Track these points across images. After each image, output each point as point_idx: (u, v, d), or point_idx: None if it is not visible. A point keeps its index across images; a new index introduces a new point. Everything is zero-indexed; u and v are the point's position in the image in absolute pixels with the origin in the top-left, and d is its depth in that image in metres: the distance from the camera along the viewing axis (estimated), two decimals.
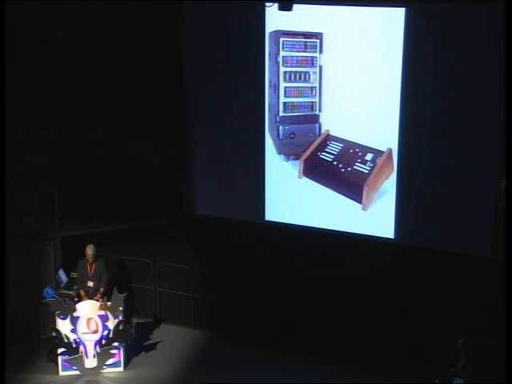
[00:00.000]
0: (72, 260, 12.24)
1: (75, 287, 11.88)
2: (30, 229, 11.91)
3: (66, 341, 11.30)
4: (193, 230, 12.52)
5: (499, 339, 9.39)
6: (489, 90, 9.84)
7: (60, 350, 11.35)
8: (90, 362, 11.43)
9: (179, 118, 12.04)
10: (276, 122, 11.51)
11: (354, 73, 10.76)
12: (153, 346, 12.23)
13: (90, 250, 11.62)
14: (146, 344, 12.22)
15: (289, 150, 11.54)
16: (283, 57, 11.20)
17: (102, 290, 11.67)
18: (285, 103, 11.39)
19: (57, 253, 12.54)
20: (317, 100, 11.15)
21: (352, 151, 11.07)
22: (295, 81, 11.24)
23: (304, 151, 11.43)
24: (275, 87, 11.37)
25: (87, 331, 11.30)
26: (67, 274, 12.21)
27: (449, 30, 10.00)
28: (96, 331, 11.32)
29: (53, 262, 12.47)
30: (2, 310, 9.91)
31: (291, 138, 11.49)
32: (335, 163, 11.25)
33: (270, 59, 11.29)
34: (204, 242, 12.51)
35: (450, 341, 10.19)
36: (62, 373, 11.46)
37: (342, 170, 11.22)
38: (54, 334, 11.32)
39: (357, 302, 11.54)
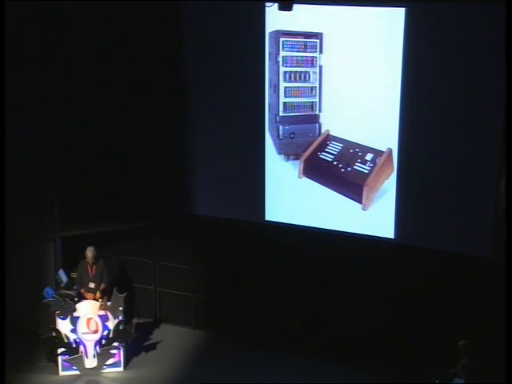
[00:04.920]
0: (72, 260, 12.24)
1: (75, 287, 11.88)
2: (30, 229, 11.91)
3: (65, 341, 11.30)
4: (193, 230, 12.52)
5: (499, 339, 9.39)
6: (489, 89, 9.85)
7: (60, 350, 11.36)
8: (90, 362, 11.43)
9: (179, 117, 12.04)
10: (276, 122, 11.51)
11: (354, 73, 10.75)
12: (153, 346, 12.23)
13: (90, 253, 11.60)
14: (145, 344, 12.22)
15: (289, 150, 11.54)
16: (283, 57, 11.20)
17: (102, 285, 11.68)
18: (285, 103, 11.39)
19: (57, 253, 12.53)
20: (317, 100, 11.15)
21: (352, 151, 11.07)
22: (295, 81, 11.24)
23: (304, 151, 11.43)
24: (275, 87, 11.37)
25: (87, 331, 11.30)
26: (67, 274, 12.21)
27: (449, 30, 10.00)
28: (96, 331, 11.32)
29: (53, 262, 12.46)
30: (2, 309, 9.90)
31: (291, 138, 11.49)
32: (335, 163, 11.25)
33: (270, 59, 11.29)
34: (204, 242, 12.50)
35: (450, 341, 10.22)
36: (62, 373, 11.47)
37: (342, 170, 11.22)
38: (54, 334, 11.33)
39: (357, 301, 11.54)
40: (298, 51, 11.10)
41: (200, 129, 12.04)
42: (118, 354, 11.53)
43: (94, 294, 11.60)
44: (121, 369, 11.59)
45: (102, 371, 11.52)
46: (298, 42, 11.06)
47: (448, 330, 10.78)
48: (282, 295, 12.05)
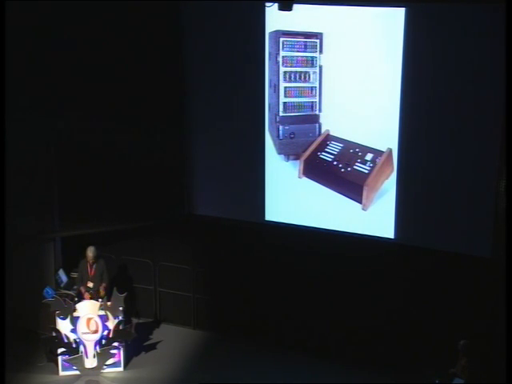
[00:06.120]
0: (72, 260, 12.25)
1: (75, 287, 11.88)
2: (30, 229, 11.91)
3: (66, 341, 11.30)
4: (193, 230, 12.52)
5: (499, 339, 9.39)
6: (489, 90, 9.85)
7: (60, 350, 11.36)
8: (90, 362, 11.44)
9: (179, 117, 12.04)
10: (276, 122, 11.51)
11: (354, 73, 10.76)
12: (153, 346, 12.23)
13: (90, 253, 11.61)
14: (145, 344, 12.22)
15: (289, 150, 11.54)
16: (283, 57, 11.20)
17: (103, 285, 11.68)
18: (285, 103, 11.39)
19: (57, 253, 12.53)
20: (317, 100, 11.15)
21: (352, 151, 11.07)
22: (295, 81, 11.24)
23: (304, 151, 11.43)
24: (275, 87, 11.37)
25: (87, 331, 11.30)
26: (67, 274, 12.21)
27: (449, 30, 10.00)
28: (96, 331, 11.32)
29: (53, 262, 12.46)
30: (2, 309, 9.90)
31: (291, 138, 11.49)
32: (335, 163, 11.25)
33: (269, 59, 11.29)
34: (204, 241, 12.50)
35: (450, 341, 10.22)
36: (62, 373, 11.47)
37: (342, 170, 11.22)
38: (53, 334, 11.33)
39: (357, 301, 11.54)
40: (298, 51, 11.10)
41: (200, 129, 12.04)
42: (118, 354, 11.53)
43: (93, 293, 11.59)
44: (121, 369, 11.59)
45: (102, 371, 11.52)
46: (298, 41, 11.06)
47: (448, 330, 10.78)
48: (282, 295, 12.05)
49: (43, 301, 11.57)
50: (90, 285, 11.68)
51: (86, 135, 11.82)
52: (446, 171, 10.44)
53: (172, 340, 12.47)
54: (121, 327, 11.43)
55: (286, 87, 11.33)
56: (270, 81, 11.39)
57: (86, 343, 11.34)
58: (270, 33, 11.18)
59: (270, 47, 11.23)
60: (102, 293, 11.58)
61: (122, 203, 12.10)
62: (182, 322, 12.85)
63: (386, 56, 10.50)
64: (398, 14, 10.26)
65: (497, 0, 9.27)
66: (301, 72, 11.18)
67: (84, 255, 11.72)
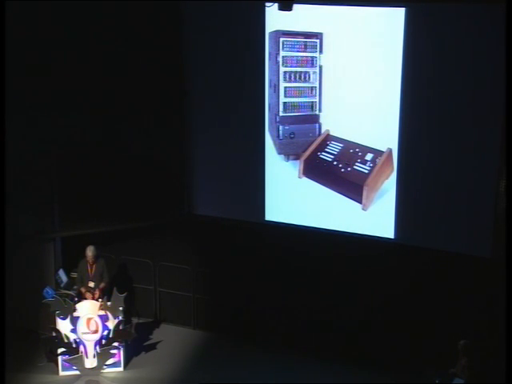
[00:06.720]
0: (72, 260, 12.24)
1: (75, 287, 11.88)
2: (30, 229, 11.91)
3: (65, 341, 11.30)
4: (193, 230, 12.52)
5: (499, 339, 9.40)
6: (489, 90, 9.85)
7: (60, 350, 11.36)
8: (90, 362, 11.43)
9: (179, 118, 12.04)
10: (276, 122, 11.51)
11: (353, 73, 10.76)
12: (153, 346, 12.23)
13: (90, 252, 11.61)
14: (145, 344, 12.22)
15: (289, 150, 11.55)
16: (283, 57, 11.20)
17: (102, 284, 11.67)
18: (285, 103, 11.39)
19: (57, 253, 12.53)
20: (317, 100, 11.15)
21: (352, 151, 11.07)
22: (295, 81, 11.25)
23: (304, 151, 11.43)
24: (275, 87, 11.37)
25: (87, 331, 11.30)
26: (67, 274, 12.21)
27: (449, 30, 10.01)
28: (96, 331, 11.32)
29: (53, 262, 12.47)
30: (2, 309, 9.90)
31: (291, 138, 11.49)
32: (335, 163, 11.25)
33: (270, 59, 11.29)
34: (204, 242, 12.50)
35: (450, 341, 10.22)
36: (62, 373, 11.46)
37: (342, 170, 11.22)
38: (54, 334, 11.33)
39: (357, 301, 11.53)
40: (298, 51, 11.11)
41: (200, 129, 12.04)
42: (118, 354, 11.53)
43: (93, 293, 11.60)
44: (121, 369, 11.59)
45: (102, 371, 11.51)
46: (298, 41, 11.06)
47: (448, 330, 10.77)
48: (282, 295, 12.05)
49: (43, 301, 11.56)
50: (91, 284, 11.68)
51: (86, 135, 11.82)
52: (446, 171, 10.44)
53: (172, 340, 12.46)
54: (121, 327, 11.43)
55: (285, 87, 11.33)
56: (270, 81, 11.39)
57: (86, 343, 11.34)
58: (270, 33, 11.18)
59: (270, 47, 11.23)
60: (97, 294, 11.56)
61: (122, 203, 12.10)
62: (181, 322, 12.85)
63: (385, 56, 10.50)
64: (398, 14, 10.26)
65: (497, 0, 9.27)
66: (301, 72, 11.18)
67: (84, 255, 11.72)
